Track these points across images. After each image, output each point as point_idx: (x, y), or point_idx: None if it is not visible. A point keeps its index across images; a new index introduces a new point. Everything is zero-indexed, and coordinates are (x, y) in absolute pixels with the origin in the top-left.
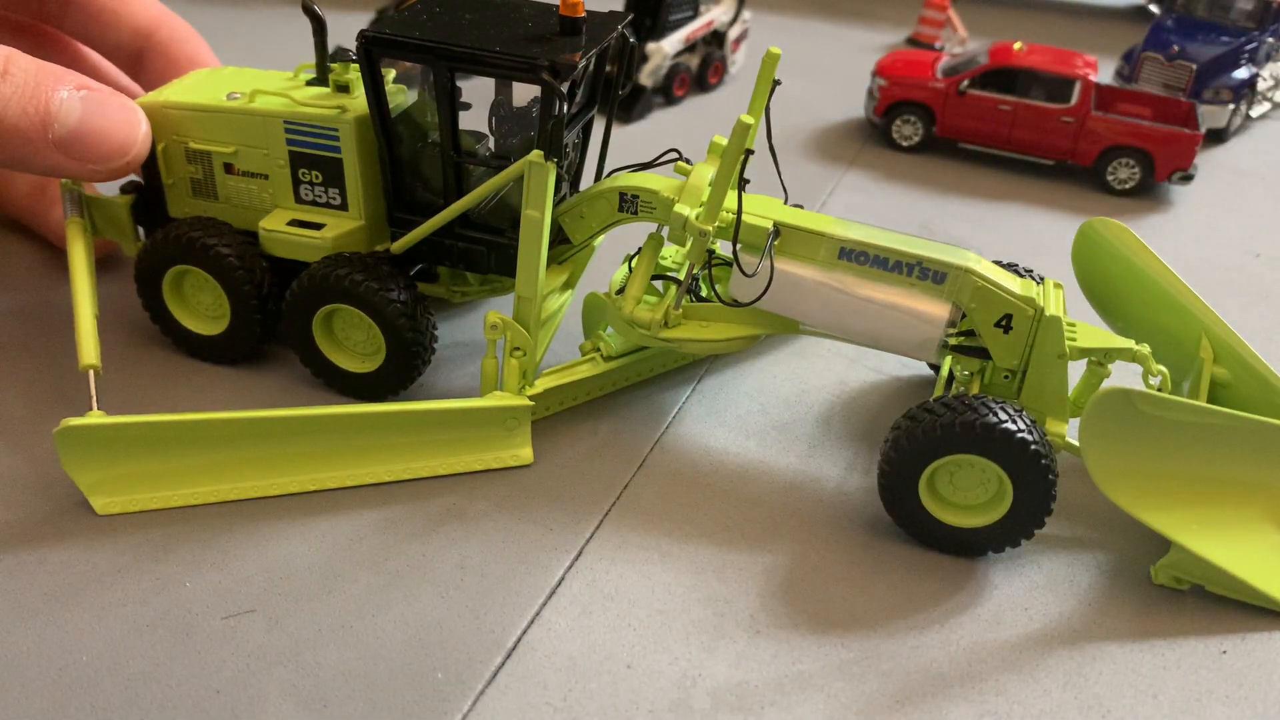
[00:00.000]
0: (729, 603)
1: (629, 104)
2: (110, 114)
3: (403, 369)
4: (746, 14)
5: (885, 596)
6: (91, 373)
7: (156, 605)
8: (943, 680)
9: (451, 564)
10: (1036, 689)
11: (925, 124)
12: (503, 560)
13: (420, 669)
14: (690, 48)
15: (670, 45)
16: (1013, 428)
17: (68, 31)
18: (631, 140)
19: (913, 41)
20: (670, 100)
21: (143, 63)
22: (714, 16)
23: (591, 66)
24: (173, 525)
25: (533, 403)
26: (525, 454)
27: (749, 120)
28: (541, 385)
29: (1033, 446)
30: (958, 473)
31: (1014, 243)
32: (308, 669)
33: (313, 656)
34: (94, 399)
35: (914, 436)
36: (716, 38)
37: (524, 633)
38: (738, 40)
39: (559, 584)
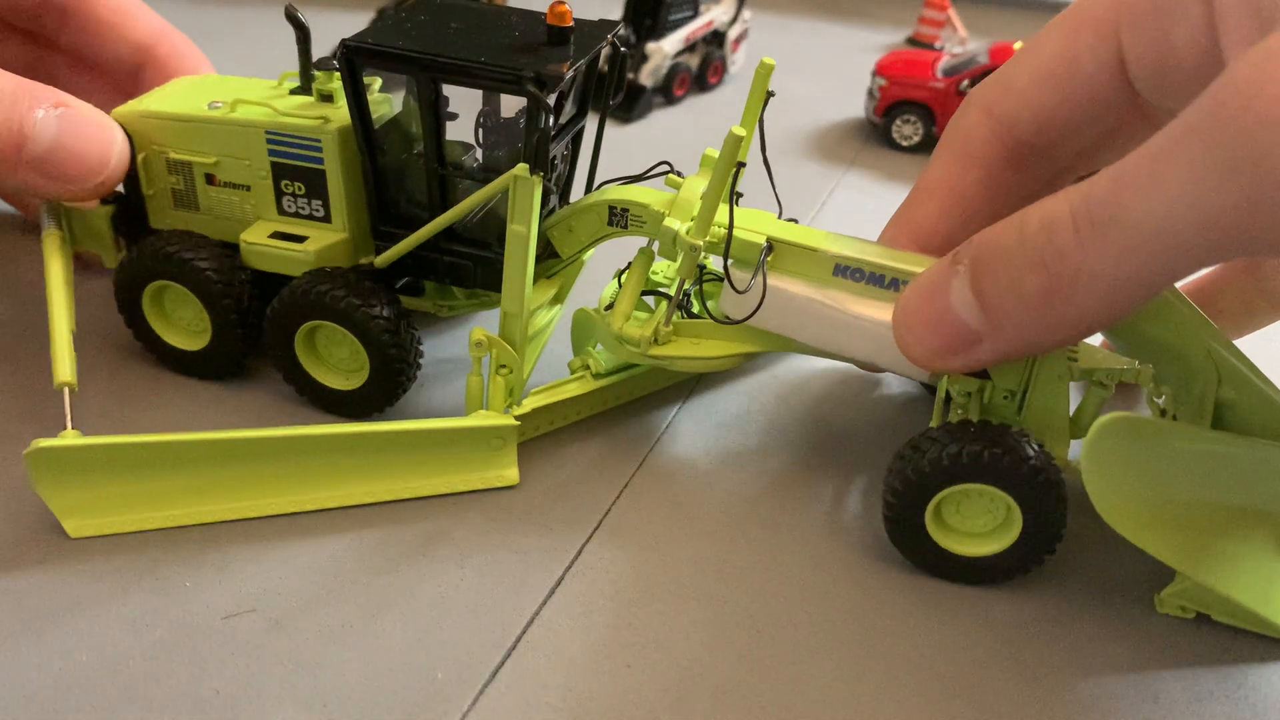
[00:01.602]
0: (729, 602)
1: (629, 104)
2: (85, 132)
3: (386, 386)
4: (746, 14)
5: (884, 596)
6: (66, 391)
7: (156, 606)
8: (943, 680)
9: (452, 565)
10: (1037, 689)
11: (925, 124)
12: (503, 560)
13: (420, 669)
14: (690, 48)
15: (670, 45)
16: (1020, 455)
17: (64, 45)
18: (631, 140)
19: (913, 41)
20: (670, 100)
21: (141, 79)
22: (714, 16)
23: (580, 77)
24: (173, 528)
25: (519, 422)
26: (511, 474)
27: (740, 133)
28: (529, 405)
29: (1042, 474)
30: (964, 501)
31: None
32: (308, 669)
33: (313, 657)
34: (69, 418)
35: (919, 468)
36: (716, 38)
37: (524, 633)
38: (738, 40)
39: (559, 584)
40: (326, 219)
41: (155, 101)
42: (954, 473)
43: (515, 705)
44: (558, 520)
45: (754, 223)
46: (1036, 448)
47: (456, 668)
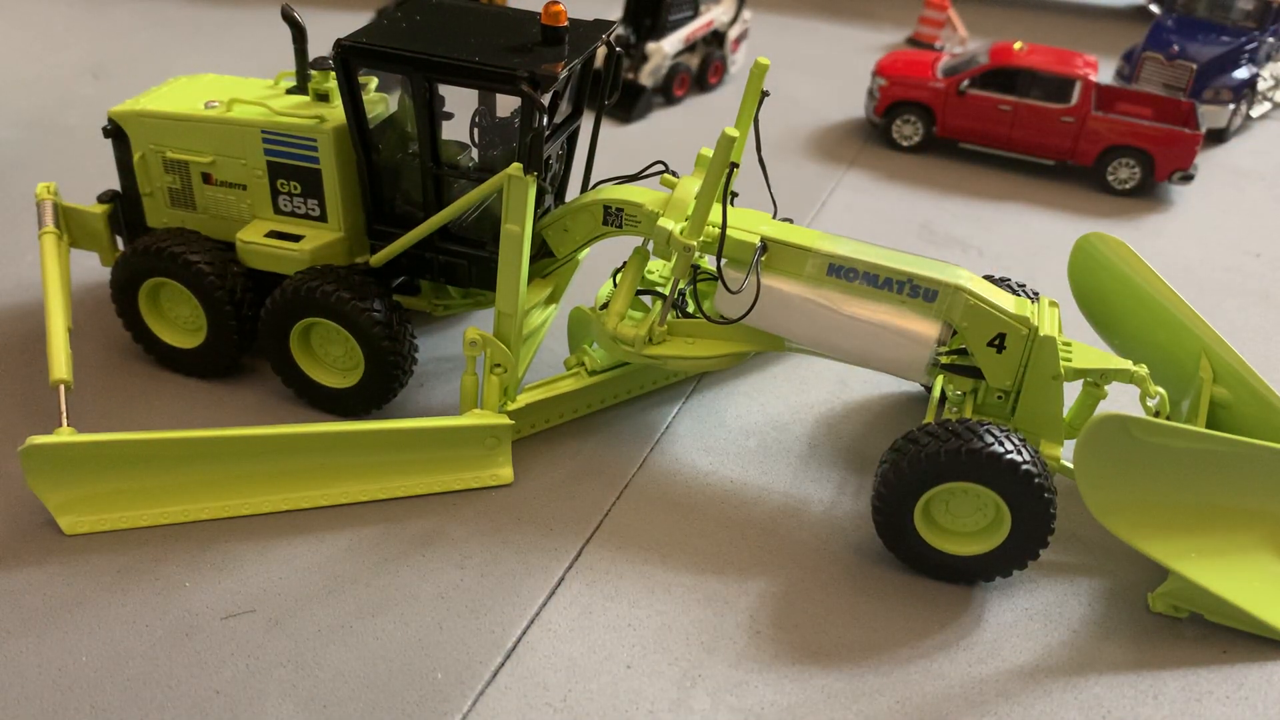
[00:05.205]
0: (729, 603)
1: (629, 104)
2: None
3: (381, 385)
4: (746, 14)
5: (883, 595)
6: (62, 388)
7: (156, 606)
8: (943, 679)
9: (451, 564)
10: (1037, 689)
11: (925, 124)
12: (503, 561)
13: (420, 669)
14: (690, 48)
15: (670, 45)
16: (1009, 454)
17: None
18: (632, 140)
19: (913, 41)
20: (670, 100)
21: None
22: (714, 16)
23: (574, 77)
24: (171, 526)
25: (513, 421)
26: (505, 474)
27: (733, 133)
28: (524, 400)
29: (1029, 473)
30: (953, 500)
31: (1014, 243)
32: (308, 669)
33: (313, 657)
34: (64, 415)
35: (907, 466)
36: (716, 38)
37: (524, 633)
38: (738, 40)
39: (559, 584)
40: (322, 218)
41: (152, 100)
42: (941, 470)
43: (515, 705)
44: (558, 520)
45: (748, 222)
46: (1015, 442)
47: (456, 668)
